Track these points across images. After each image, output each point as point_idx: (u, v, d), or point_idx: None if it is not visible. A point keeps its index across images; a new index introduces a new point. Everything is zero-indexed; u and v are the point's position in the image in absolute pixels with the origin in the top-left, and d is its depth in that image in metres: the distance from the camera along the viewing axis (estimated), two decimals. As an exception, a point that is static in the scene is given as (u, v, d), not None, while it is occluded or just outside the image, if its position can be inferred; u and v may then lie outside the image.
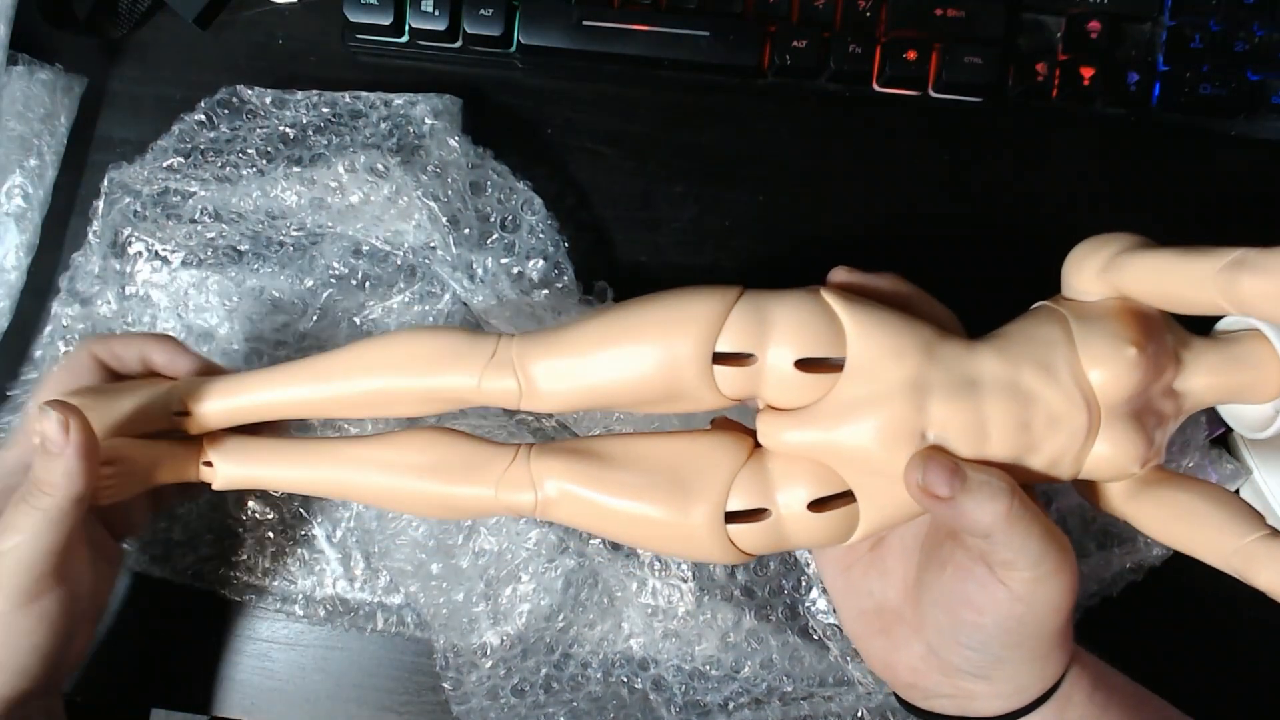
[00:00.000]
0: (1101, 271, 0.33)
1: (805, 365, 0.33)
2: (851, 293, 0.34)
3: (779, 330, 0.33)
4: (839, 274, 0.36)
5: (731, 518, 0.34)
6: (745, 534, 0.34)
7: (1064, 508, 0.44)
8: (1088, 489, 0.36)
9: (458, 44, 0.47)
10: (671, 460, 0.35)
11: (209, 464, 0.38)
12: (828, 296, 0.34)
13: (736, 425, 0.37)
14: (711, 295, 0.34)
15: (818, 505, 0.34)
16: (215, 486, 0.38)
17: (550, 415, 0.45)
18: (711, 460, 0.35)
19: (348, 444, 0.38)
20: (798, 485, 0.34)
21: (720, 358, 0.33)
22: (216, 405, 0.38)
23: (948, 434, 0.32)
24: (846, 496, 0.34)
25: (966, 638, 0.33)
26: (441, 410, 0.38)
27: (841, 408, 0.33)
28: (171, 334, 0.45)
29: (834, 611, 0.44)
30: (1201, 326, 0.35)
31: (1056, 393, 0.32)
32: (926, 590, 0.35)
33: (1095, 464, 0.33)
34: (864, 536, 0.35)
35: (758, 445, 0.36)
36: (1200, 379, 0.34)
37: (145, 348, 0.38)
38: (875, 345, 0.33)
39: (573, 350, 0.35)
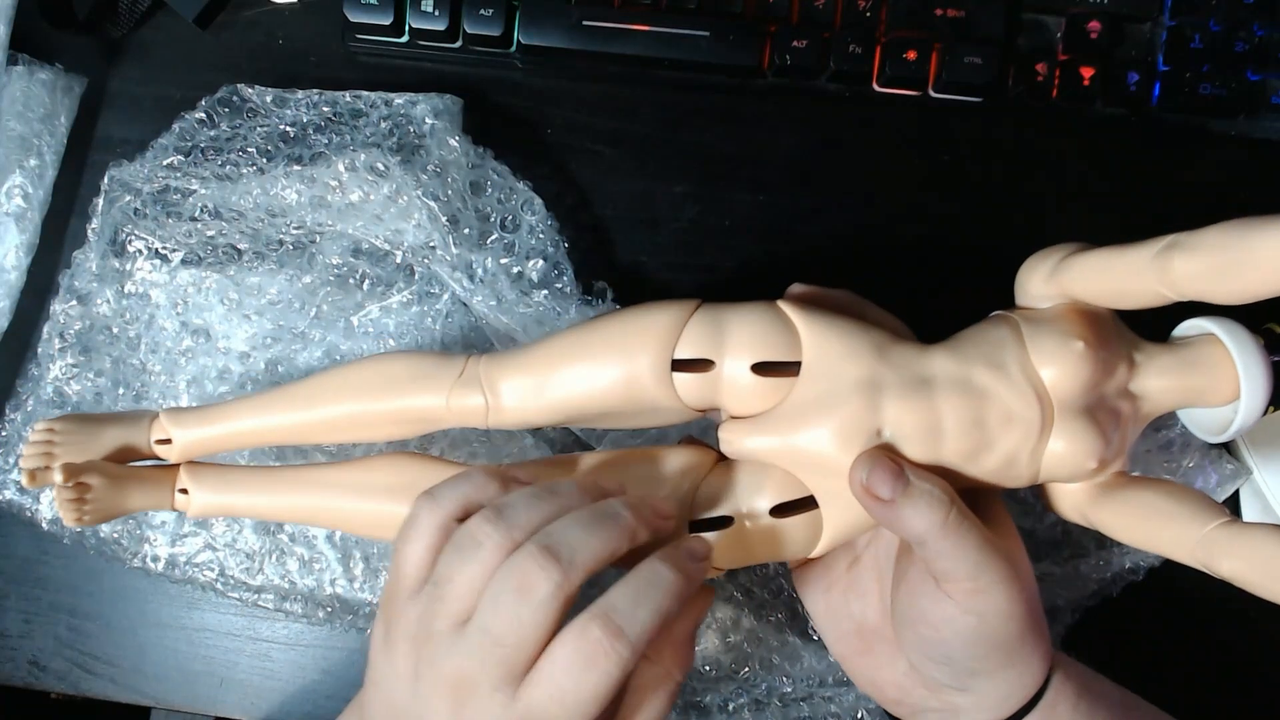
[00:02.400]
0: (1050, 276, 0.34)
1: (763, 370, 0.34)
2: (807, 303, 0.35)
3: (735, 336, 0.34)
4: (795, 289, 0.37)
5: (696, 528, 0.34)
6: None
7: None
8: (1055, 499, 0.36)
9: (458, 44, 0.47)
10: (636, 473, 0.36)
11: (184, 491, 0.38)
12: (783, 305, 0.35)
13: (703, 443, 0.38)
14: (670, 307, 0.35)
15: (781, 512, 0.34)
16: (190, 515, 0.38)
17: (555, 427, 0.45)
18: (675, 470, 0.36)
19: (318, 469, 0.38)
20: (760, 492, 0.35)
21: (680, 366, 0.34)
22: (197, 434, 0.38)
23: (902, 431, 0.33)
24: (810, 503, 0.34)
25: (932, 652, 0.34)
26: (417, 432, 0.38)
27: (798, 410, 0.34)
28: (168, 332, 0.45)
29: None
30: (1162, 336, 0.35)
31: (1009, 389, 0.33)
32: (894, 608, 0.35)
33: (1052, 462, 0.33)
34: (830, 544, 0.35)
35: (723, 458, 0.36)
36: (1156, 381, 0.34)
37: None
38: (829, 347, 0.34)
39: (537, 367, 0.35)
